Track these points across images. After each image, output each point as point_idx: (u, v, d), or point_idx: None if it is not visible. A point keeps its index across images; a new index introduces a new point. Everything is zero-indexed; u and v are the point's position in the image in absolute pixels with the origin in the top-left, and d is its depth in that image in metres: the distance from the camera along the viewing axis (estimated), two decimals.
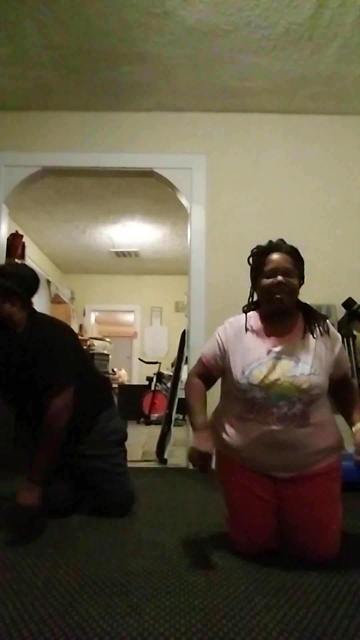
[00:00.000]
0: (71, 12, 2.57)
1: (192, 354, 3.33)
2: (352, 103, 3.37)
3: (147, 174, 3.57)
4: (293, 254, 1.63)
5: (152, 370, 7.29)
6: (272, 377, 1.52)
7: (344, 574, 1.43)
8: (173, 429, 3.69)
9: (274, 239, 1.73)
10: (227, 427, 1.65)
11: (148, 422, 6.67)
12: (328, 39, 2.75)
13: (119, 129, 3.50)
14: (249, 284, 1.77)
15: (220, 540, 1.71)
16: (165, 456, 3.41)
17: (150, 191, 4.74)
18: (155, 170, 3.49)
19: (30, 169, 3.47)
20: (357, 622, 1.14)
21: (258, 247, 1.70)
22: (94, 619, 1.14)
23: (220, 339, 1.67)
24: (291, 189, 3.45)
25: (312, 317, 1.65)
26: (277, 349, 1.57)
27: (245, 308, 1.76)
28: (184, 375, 3.59)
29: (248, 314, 1.71)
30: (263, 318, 1.67)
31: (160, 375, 7.05)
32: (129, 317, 8.95)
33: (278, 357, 1.56)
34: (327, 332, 1.63)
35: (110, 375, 8.01)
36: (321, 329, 1.62)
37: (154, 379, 7.03)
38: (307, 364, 1.54)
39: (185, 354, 3.55)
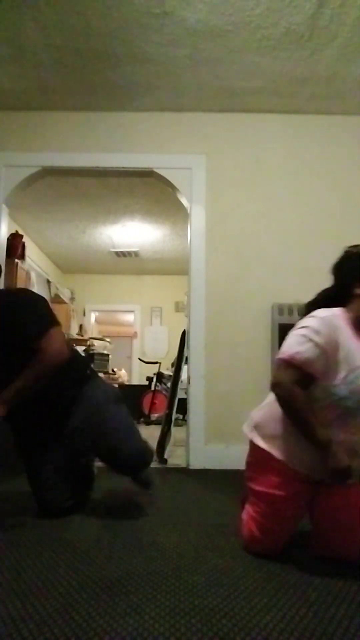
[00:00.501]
0: (71, 12, 2.57)
1: (192, 354, 3.33)
2: (352, 103, 3.37)
3: (147, 174, 3.57)
4: None
5: (152, 370, 7.29)
6: None
7: (344, 574, 1.43)
8: (173, 429, 3.69)
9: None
10: (290, 428, 1.50)
11: (148, 422, 6.67)
12: (328, 39, 2.75)
13: (119, 129, 3.50)
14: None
15: (221, 540, 1.71)
16: (165, 456, 3.41)
17: (150, 191, 4.75)
18: (155, 170, 3.49)
19: (30, 169, 3.47)
20: (357, 622, 1.14)
21: None
22: (94, 619, 1.14)
23: (320, 336, 1.43)
24: (291, 189, 3.45)
25: None
26: None
27: (316, 303, 1.61)
28: (184, 375, 3.59)
29: (335, 312, 1.50)
30: (353, 323, 1.51)
31: (160, 375, 7.05)
32: (129, 317, 8.96)
33: None
34: None
35: (110, 375, 8.02)
36: None
37: (154, 379, 7.03)
38: None
39: (185, 354, 3.55)
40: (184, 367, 3.60)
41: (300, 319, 1.54)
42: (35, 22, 2.64)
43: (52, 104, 3.41)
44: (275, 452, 1.53)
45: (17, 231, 4.93)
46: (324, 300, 1.60)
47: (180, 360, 3.79)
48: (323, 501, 1.54)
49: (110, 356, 7.16)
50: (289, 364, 1.43)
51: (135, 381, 8.09)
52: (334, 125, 3.50)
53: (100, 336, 8.37)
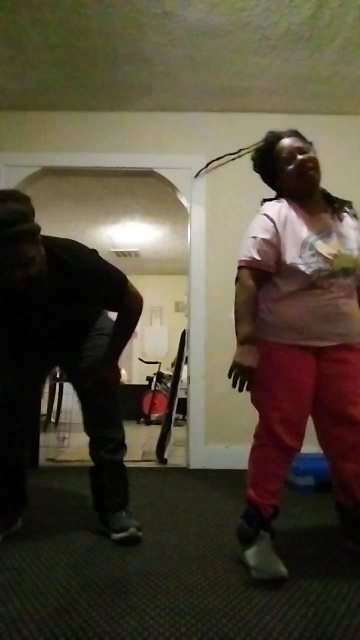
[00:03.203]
0: (71, 12, 2.57)
1: (192, 354, 3.33)
2: (352, 103, 3.37)
3: (147, 174, 3.57)
4: (297, 134, 1.65)
5: (152, 370, 7.29)
6: (334, 250, 1.53)
7: (344, 574, 1.43)
8: (173, 429, 3.69)
9: None
10: (273, 307, 1.59)
11: (148, 422, 6.67)
12: (328, 39, 2.75)
13: (119, 129, 3.50)
14: None
15: (221, 540, 1.71)
16: (165, 456, 3.41)
17: (150, 191, 4.74)
18: (155, 170, 3.49)
19: (30, 169, 3.47)
20: (357, 622, 1.14)
21: (257, 149, 1.71)
22: (94, 619, 1.14)
23: (268, 232, 1.56)
24: None
25: (336, 200, 1.67)
26: (326, 226, 1.57)
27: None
28: (184, 375, 3.59)
29: (278, 201, 1.64)
30: (295, 202, 1.62)
31: (160, 375, 7.05)
32: None
33: (329, 234, 1.56)
34: (355, 215, 1.68)
35: None
36: (349, 211, 1.66)
37: (154, 379, 7.03)
38: (354, 241, 1.59)
39: (185, 354, 3.55)
40: (184, 367, 3.60)
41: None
42: (35, 22, 2.64)
43: (52, 104, 3.41)
44: (258, 332, 1.58)
45: None
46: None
47: (180, 360, 3.79)
48: (328, 370, 1.58)
49: None
50: (248, 265, 1.58)
51: (135, 381, 8.08)
52: (334, 125, 3.50)
53: None
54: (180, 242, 6.34)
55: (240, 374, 1.50)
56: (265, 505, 1.52)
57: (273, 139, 1.65)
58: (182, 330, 3.77)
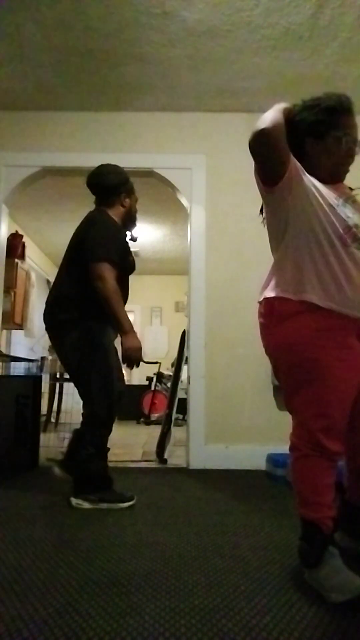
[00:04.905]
0: (71, 12, 2.57)
1: (192, 354, 3.33)
2: None
3: (147, 174, 3.57)
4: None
5: (152, 370, 7.29)
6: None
7: None
8: (173, 429, 3.69)
9: None
10: (318, 270, 1.39)
11: (148, 422, 6.67)
12: (328, 39, 2.75)
13: (119, 129, 3.50)
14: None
15: (221, 540, 1.71)
16: (165, 456, 3.41)
17: (150, 191, 4.74)
18: (155, 170, 3.49)
19: (30, 169, 3.47)
20: (357, 622, 1.14)
21: (328, 103, 1.47)
22: (94, 619, 1.14)
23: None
24: None
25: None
26: (348, 195, 1.48)
27: None
28: (184, 375, 3.59)
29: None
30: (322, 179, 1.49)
31: (160, 375, 7.05)
32: (129, 317, 8.95)
33: (353, 201, 1.46)
34: None
35: None
36: None
37: (154, 379, 7.03)
38: None
39: (185, 354, 3.55)
40: (184, 367, 3.60)
41: None
42: (35, 22, 2.64)
43: (52, 104, 3.41)
44: (303, 293, 1.39)
45: (17, 231, 4.93)
46: None
47: (180, 360, 3.79)
48: None
49: None
50: None
51: (135, 381, 8.08)
52: None
53: None
54: (180, 242, 6.34)
55: None
56: (323, 518, 1.34)
57: (349, 105, 1.46)
58: (182, 330, 3.77)
